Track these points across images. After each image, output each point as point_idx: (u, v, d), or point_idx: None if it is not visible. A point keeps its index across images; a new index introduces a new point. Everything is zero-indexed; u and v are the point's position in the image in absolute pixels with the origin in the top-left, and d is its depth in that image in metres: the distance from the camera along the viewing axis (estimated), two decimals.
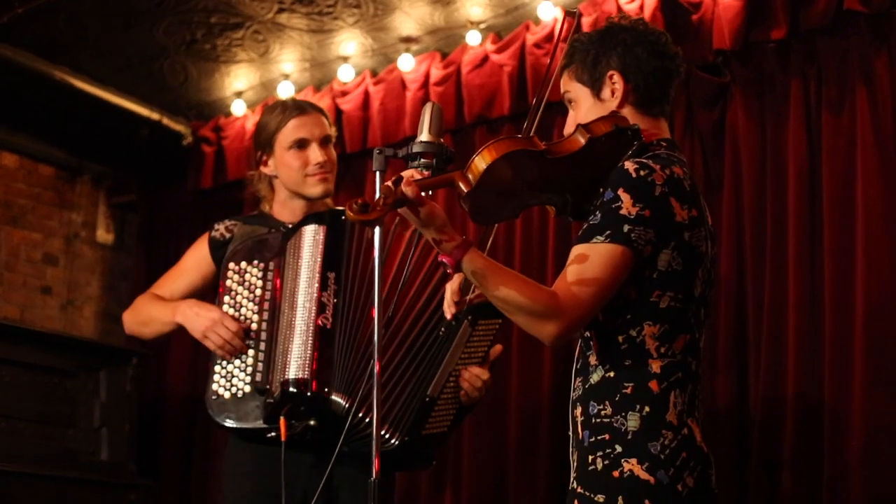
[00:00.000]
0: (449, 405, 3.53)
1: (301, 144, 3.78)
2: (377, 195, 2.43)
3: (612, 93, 2.83)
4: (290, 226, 3.74)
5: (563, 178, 2.68)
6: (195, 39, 5.70)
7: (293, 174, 3.78)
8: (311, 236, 3.62)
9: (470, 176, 2.53)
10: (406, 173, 2.51)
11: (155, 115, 6.47)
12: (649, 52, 2.85)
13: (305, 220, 3.70)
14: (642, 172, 2.60)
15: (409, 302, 3.58)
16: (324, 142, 3.80)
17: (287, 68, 6.01)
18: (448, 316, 2.96)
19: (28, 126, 6.59)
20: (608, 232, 2.55)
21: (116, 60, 5.99)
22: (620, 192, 2.58)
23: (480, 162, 2.52)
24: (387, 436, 3.45)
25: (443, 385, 3.48)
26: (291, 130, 3.78)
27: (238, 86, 6.23)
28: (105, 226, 7.12)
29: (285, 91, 6.06)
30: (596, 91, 2.84)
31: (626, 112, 2.81)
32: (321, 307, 3.53)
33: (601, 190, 2.63)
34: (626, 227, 2.55)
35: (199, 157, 6.56)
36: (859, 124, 4.35)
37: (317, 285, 3.55)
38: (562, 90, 2.92)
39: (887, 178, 4.27)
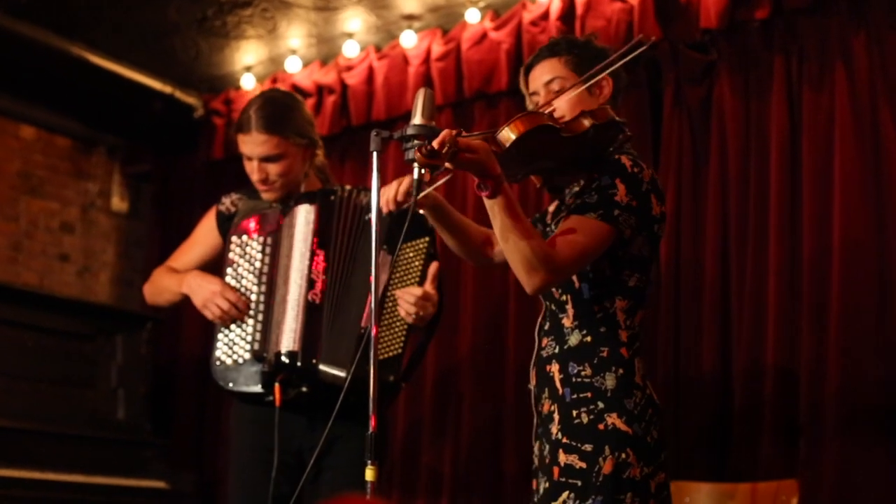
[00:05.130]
0: (393, 329, 3.75)
1: (248, 158, 3.91)
2: (439, 144, 2.62)
3: (601, 91, 3.19)
4: (291, 202, 3.92)
5: (562, 154, 2.99)
6: (206, 17, 5.83)
7: (250, 179, 3.96)
8: (304, 216, 3.85)
9: (501, 141, 2.82)
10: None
11: (167, 89, 6.62)
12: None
13: (299, 199, 3.90)
14: (635, 169, 2.98)
15: (339, 253, 3.83)
16: (265, 160, 3.87)
17: (294, 44, 6.14)
18: (384, 211, 3.17)
19: (45, 99, 6.76)
20: (601, 211, 2.91)
21: (131, 37, 6.13)
22: (617, 181, 2.95)
23: (511, 132, 2.82)
24: (339, 374, 3.67)
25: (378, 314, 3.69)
26: (239, 143, 3.92)
27: (247, 60, 6.36)
28: (120, 195, 7.29)
29: (293, 66, 6.22)
30: (589, 88, 3.14)
31: None
32: (311, 283, 3.78)
33: (595, 175, 2.98)
34: (616, 211, 2.91)
35: (210, 128, 6.72)
36: (838, 100, 4.51)
37: (308, 262, 3.80)
38: (548, 75, 3.20)
39: (863, 151, 4.44)
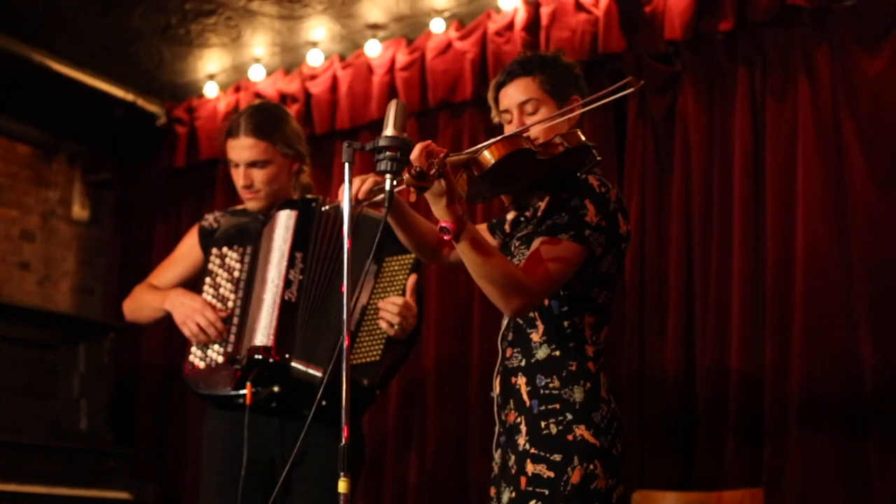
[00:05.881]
0: (374, 336, 3.76)
1: (235, 164, 3.98)
2: (426, 164, 2.62)
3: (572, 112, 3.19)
4: (273, 212, 3.94)
5: (535, 175, 3.04)
6: (170, 25, 5.83)
7: (236, 186, 4.03)
8: (284, 220, 3.88)
9: (482, 163, 2.85)
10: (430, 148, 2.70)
11: (130, 97, 6.60)
12: (588, 87, 3.28)
13: (281, 206, 3.93)
14: (602, 189, 3.03)
15: (318, 256, 3.84)
16: (251, 165, 3.94)
17: (258, 52, 6.14)
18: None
19: (6, 106, 6.69)
20: (572, 232, 2.96)
21: (93, 44, 6.10)
22: (587, 202, 3.00)
23: (490, 156, 2.84)
24: (316, 373, 3.67)
25: (359, 320, 3.73)
26: (226, 149, 3.99)
27: (211, 69, 6.36)
28: (81, 203, 7.25)
29: (256, 74, 6.21)
30: (560, 107, 3.17)
31: None
32: (288, 283, 3.80)
33: (564, 195, 3.02)
34: (587, 231, 2.96)
35: (172, 136, 6.69)
36: (800, 112, 4.58)
37: (285, 263, 3.82)
38: (522, 95, 3.18)
39: (825, 162, 4.50)
